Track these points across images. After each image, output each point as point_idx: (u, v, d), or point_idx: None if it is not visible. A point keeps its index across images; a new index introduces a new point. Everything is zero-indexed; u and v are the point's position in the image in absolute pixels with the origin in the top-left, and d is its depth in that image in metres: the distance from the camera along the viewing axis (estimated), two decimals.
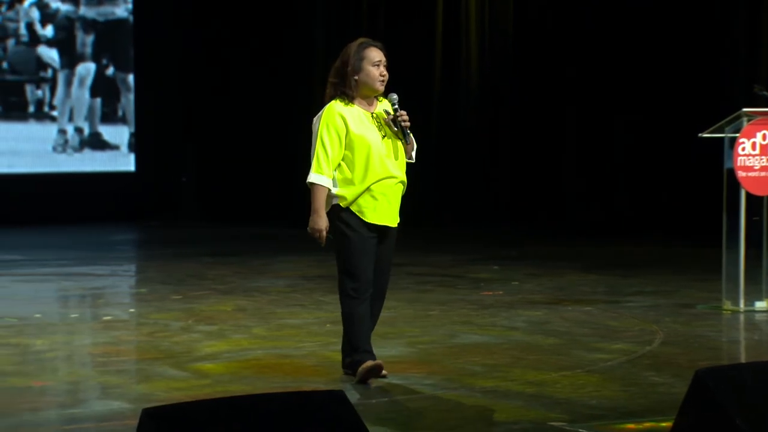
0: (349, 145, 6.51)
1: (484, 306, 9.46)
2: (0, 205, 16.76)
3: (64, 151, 17.84)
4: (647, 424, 5.71)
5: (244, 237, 15.88)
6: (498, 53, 17.38)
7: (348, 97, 6.58)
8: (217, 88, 17.99)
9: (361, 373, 6.50)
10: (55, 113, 17.84)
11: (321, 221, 6.48)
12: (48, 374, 7.06)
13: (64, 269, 12.16)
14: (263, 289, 10.48)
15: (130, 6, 18.20)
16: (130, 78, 18.23)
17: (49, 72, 17.76)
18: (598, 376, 6.82)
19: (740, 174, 9.02)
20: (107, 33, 18.07)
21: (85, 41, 17.96)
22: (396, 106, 6.64)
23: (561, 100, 17.03)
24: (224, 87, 17.92)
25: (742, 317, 8.98)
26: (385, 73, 6.62)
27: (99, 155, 18.10)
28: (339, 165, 6.52)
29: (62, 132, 17.84)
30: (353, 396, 6.04)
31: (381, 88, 6.63)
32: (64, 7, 17.81)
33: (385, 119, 6.62)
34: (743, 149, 9.03)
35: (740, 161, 9.03)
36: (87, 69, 17.98)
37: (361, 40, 6.73)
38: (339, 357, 6.75)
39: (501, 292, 10.28)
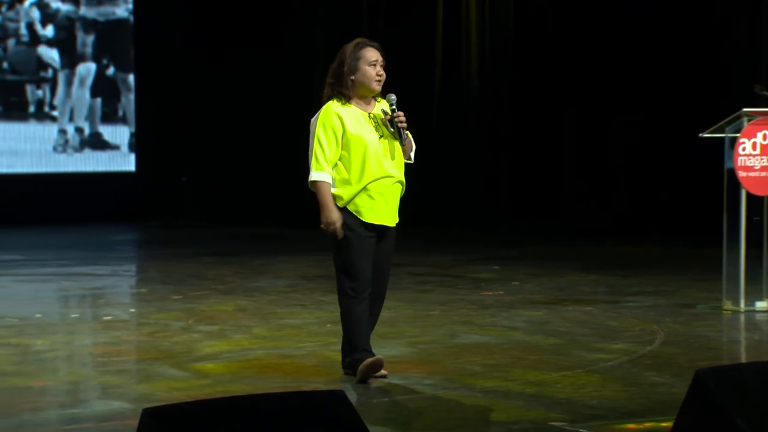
0: (345, 145, 6.51)
1: (485, 306, 9.45)
2: (0, 205, 16.75)
3: (64, 151, 17.83)
4: (648, 424, 5.71)
5: (244, 237, 15.87)
6: (498, 53, 17.38)
7: (345, 98, 6.57)
8: (217, 88, 17.97)
9: (362, 371, 6.50)
10: (55, 113, 17.82)
11: (332, 214, 6.49)
12: (48, 374, 7.06)
13: (65, 269, 12.15)
14: (263, 289, 10.48)
15: (130, 6, 18.19)
16: (131, 78, 18.22)
17: (50, 72, 17.75)
18: (598, 376, 6.82)
19: (741, 174, 9.02)
20: (107, 33, 18.06)
21: (86, 41, 17.95)
22: (394, 107, 6.63)
23: (561, 100, 17.03)
24: (224, 87, 17.91)
25: (742, 317, 8.98)
26: (382, 72, 6.60)
27: (99, 155, 18.09)
28: (336, 165, 6.52)
29: (63, 132, 17.83)
30: (353, 396, 6.04)
31: (378, 87, 6.62)
32: (65, 7, 17.80)
33: (382, 119, 6.61)
34: (744, 149, 9.03)
35: (741, 161, 9.03)
36: (87, 69, 17.98)
37: (357, 40, 6.72)
38: (339, 357, 6.75)
39: (501, 292, 10.27)
